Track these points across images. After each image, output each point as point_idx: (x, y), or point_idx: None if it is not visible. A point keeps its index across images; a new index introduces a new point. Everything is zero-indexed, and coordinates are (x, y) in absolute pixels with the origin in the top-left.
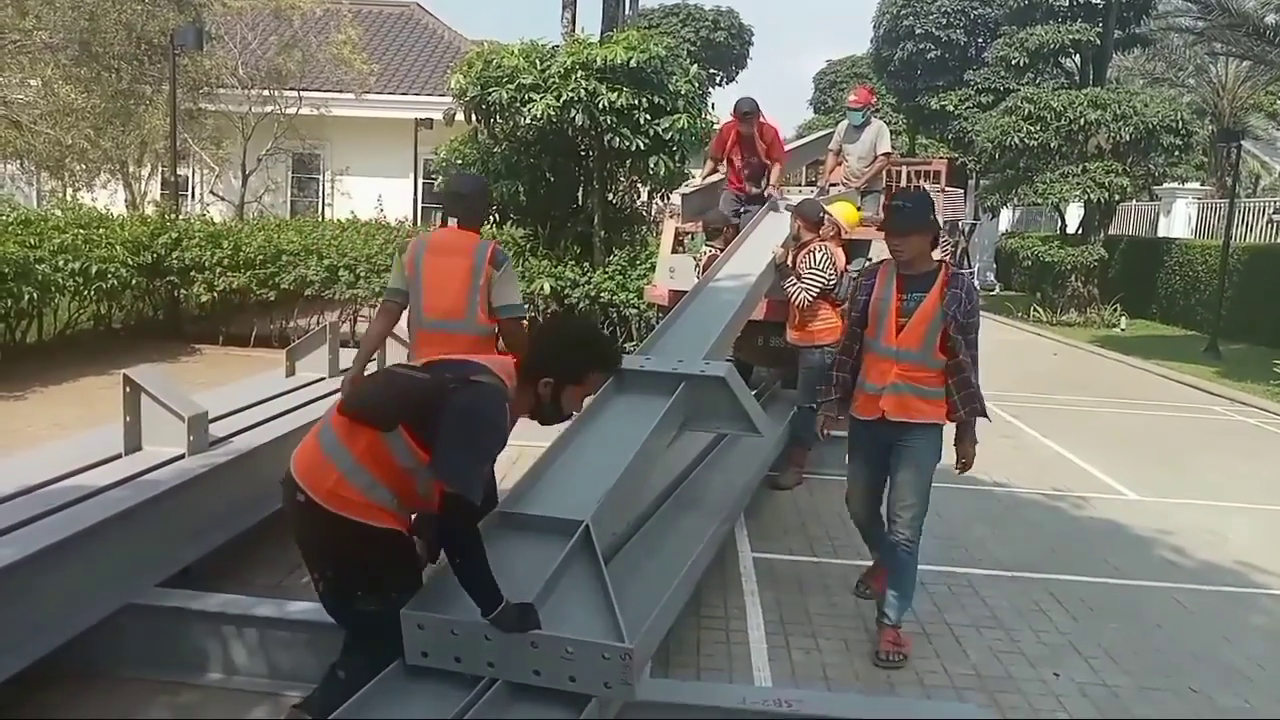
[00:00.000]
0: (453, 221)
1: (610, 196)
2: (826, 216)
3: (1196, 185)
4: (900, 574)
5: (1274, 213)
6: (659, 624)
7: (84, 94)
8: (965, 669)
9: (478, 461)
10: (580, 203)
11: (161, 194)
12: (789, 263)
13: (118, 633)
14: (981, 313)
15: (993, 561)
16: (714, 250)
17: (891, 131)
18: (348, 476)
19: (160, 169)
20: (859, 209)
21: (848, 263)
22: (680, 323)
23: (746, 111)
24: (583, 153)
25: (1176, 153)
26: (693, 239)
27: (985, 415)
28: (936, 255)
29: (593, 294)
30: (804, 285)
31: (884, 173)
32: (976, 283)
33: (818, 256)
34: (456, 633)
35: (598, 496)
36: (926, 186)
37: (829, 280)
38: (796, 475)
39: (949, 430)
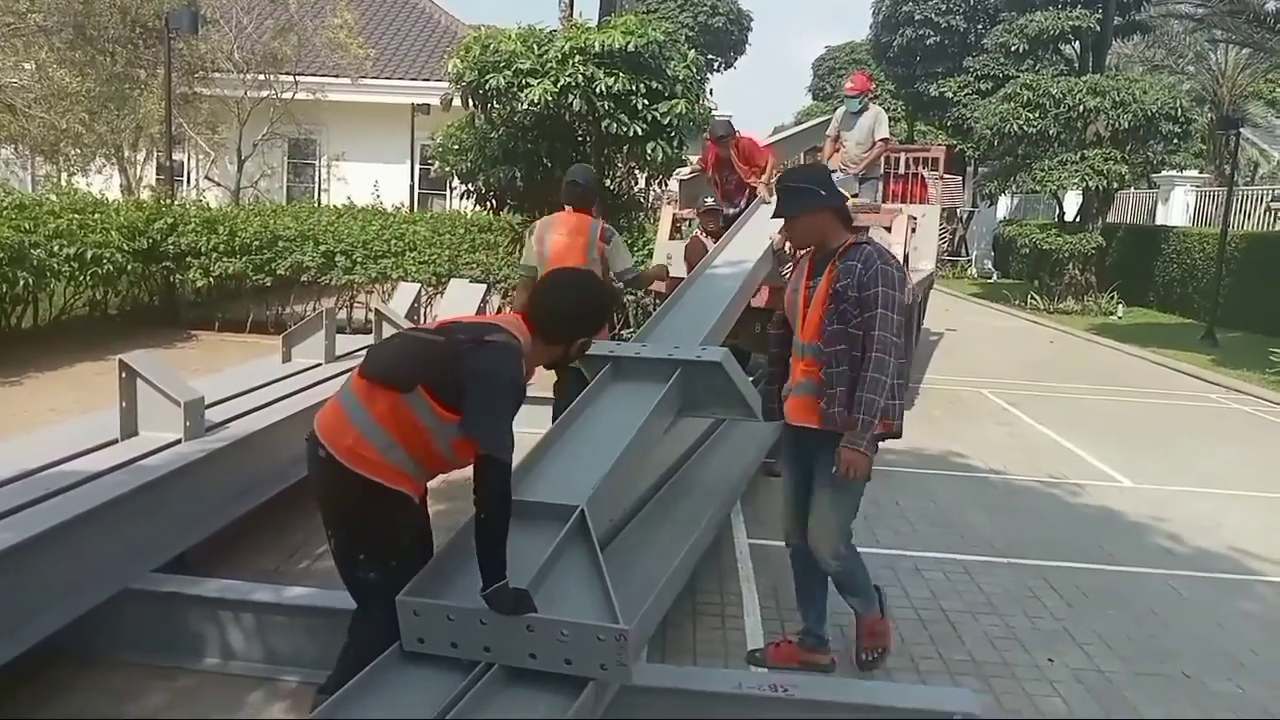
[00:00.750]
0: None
1: (608, 182)
2: None
3: (1195, 173)
4: (845, 590)
5: (1272, 201)
6: (655, 607)
7: (79, 78)
8: (961, 655)
9: (504, 420)
10: None
11: (157, 179)
12: (786, 249)
13: (114, 618)
14: (978, 300)
15: (988, 548)
16: (700, 236)
17: (890, 118)
18: (366, 435)
19: (156, 154)
20: (855, 195)
21: None
22: (677, 309)
23: (721, 135)
24: (580, 138)
25: (1175, 140)
26: (690, 225)
27: (875, 424)
28: (883, 234)
29: None
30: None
31: (883, 159)
32: (902, 250)
33: None
34: (452, 618)
35: (593, 482)
36: (925, 173)
37: None
38: None
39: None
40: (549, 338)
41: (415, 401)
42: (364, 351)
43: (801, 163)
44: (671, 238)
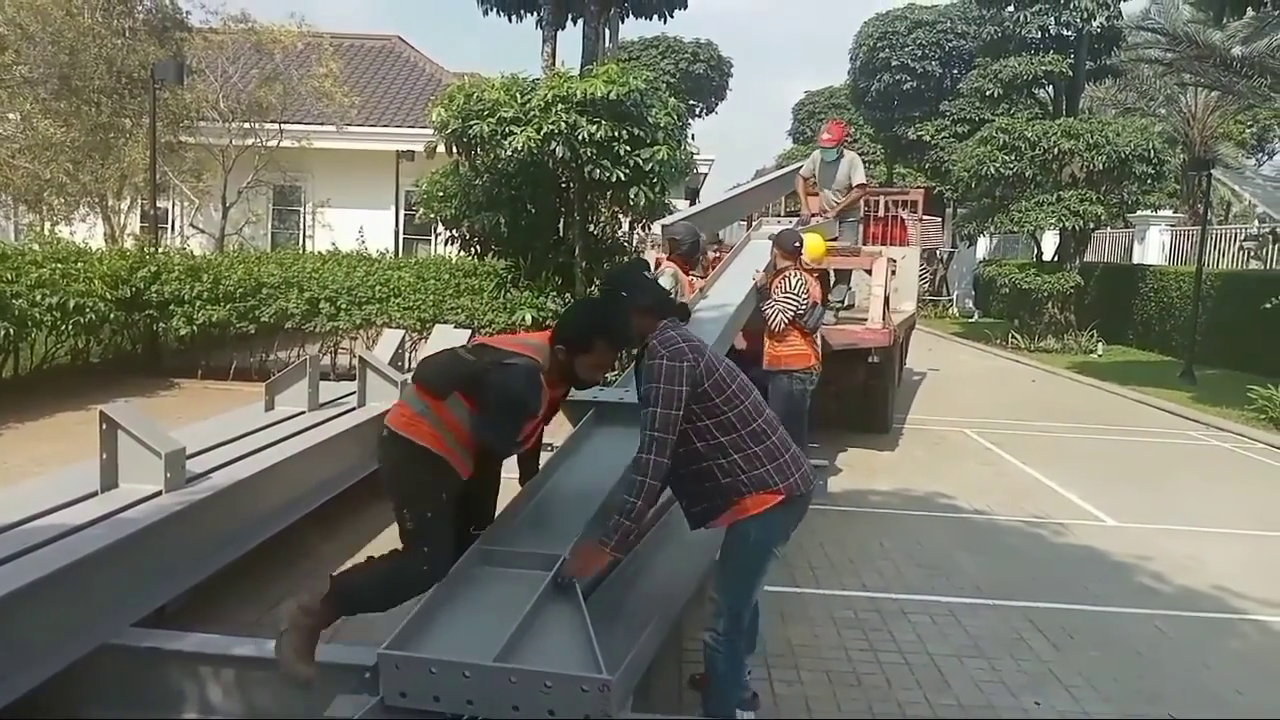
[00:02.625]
0: None
1: (591, 227)
2: (803, 238)
3: (1169, 213)
4: (710, 674)
5: (1245, 240)
6: (639, 656)
7: (63, 128)
8: (948, 699)
9: (505, 426)
10: (561, 234)
11: (141, 227)
12: (768, 286)
13: (92, 674)
14: (959, 340)
15: (974, 589)
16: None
17: (870, 161)
18: (422, 415)
19: (140, 202)
20: (835, 238)
21: (830, 289)
22: None
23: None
24: (563, 184)
25: (1149, 181)
26: None
27: (624, 523)
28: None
29: None
30: (779, 307)
31: (862, 202)
32: (674, 347)
33: (792, 281)
34: (435, 671)
35: (577, 530)
36: (904, 215)
37: (802, 304)
38: None
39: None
40: (570, 348)
41: (454, 406)
42: (348, 399)
43: (781, 210)
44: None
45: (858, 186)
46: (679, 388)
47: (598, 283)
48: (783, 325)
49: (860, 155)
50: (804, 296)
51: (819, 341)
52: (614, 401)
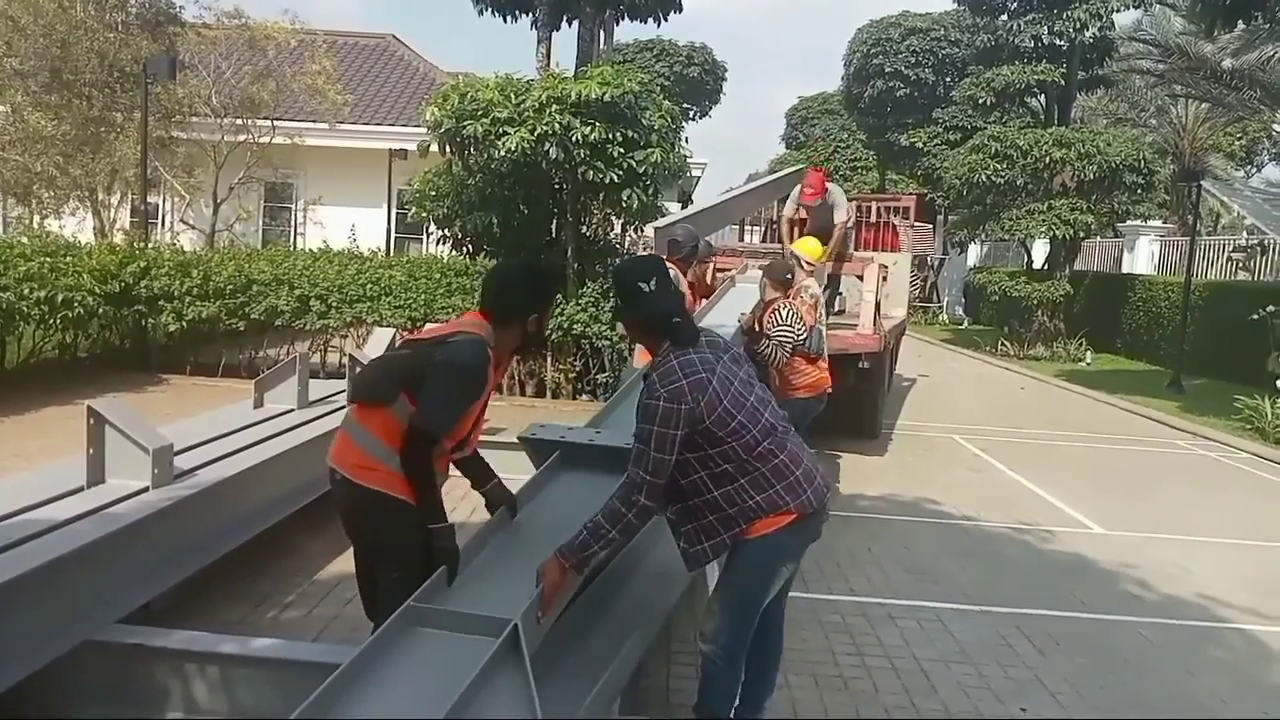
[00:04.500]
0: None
1: (584, 229)
2: (794, 268)
3: (1159, 223)
4: (704, 682)
5: (1233, 251)
6: (625, 661)
7: (54, 121)
8: (934, 704)
9: (452, 404)
10: (554, 235)
11: (131, 222)
12: (756, 326)
13: (76, 670)
14: (949, 346)
15: (961, 595)
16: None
17: (862, 167)
18: (368, 450)
19: (130, 197)
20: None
21: (825, 295)
22: (636, 393)
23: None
24: (556, 185)
25: (1139, 191)
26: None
27: (591, 544)
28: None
29: (566, 326)
30: (776, 342)
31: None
32: (674, 367)
33: (783, 313)
34: None
35: (531, 591)
36: (896, 221)
37: (799, 334)
38: None
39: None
40: (503, 320)
41: (401, 410)
42: (338, 397)
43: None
44: None
45: (840, 225)
46: (674, 431)
47: (589, 286)
48: (784, 361)
49: (853, 161)
50: (799, 325)
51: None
52: (582, 443)
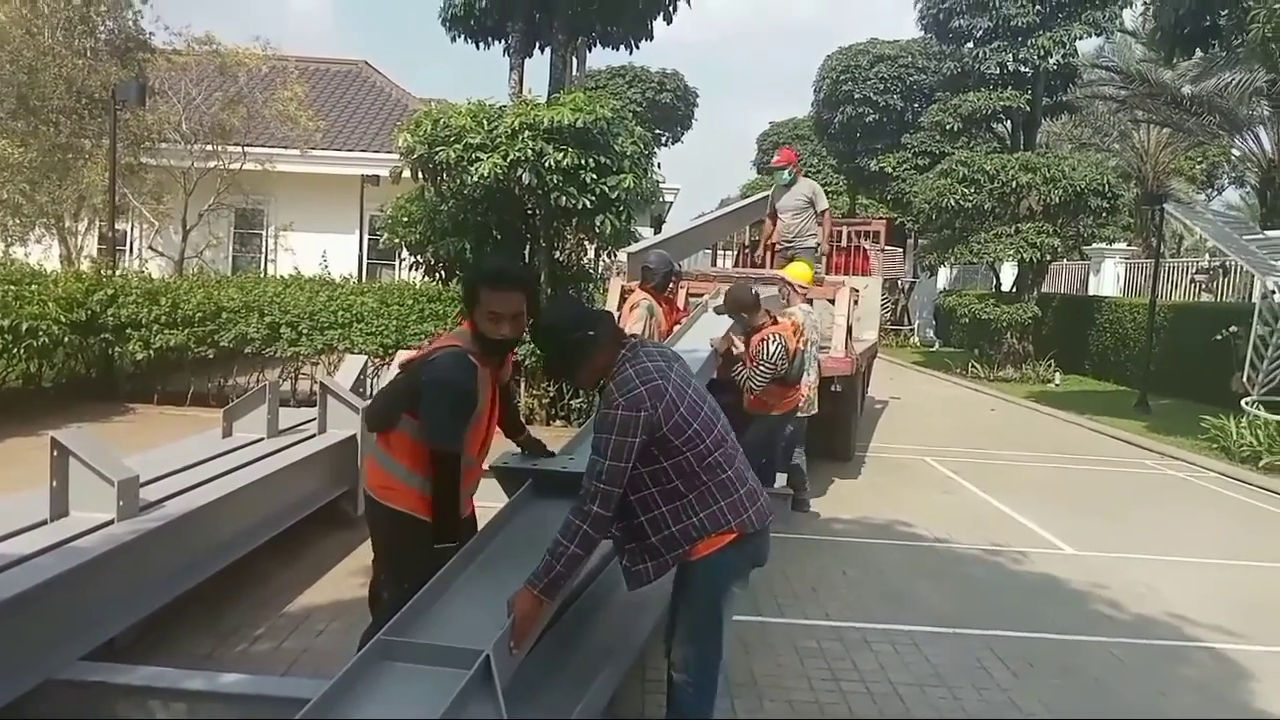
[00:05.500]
0: None
1: (557, 254)
2: (779, 288)
3: (1124, 245)
4: (674, 708)
5: (1196, 273)
6: (600, 692)
7: (20, 148)
8: None
9: (446, 418)
10: (527, 260)
11: (98, 249)
12: (742, 348)
13: (38, 710)
14: (921, 369)
15: (935, 618)
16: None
17: (832, 192)
18: (387, 469)
19: (98, 224)
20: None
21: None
22: None
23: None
24: (529, 211)
25: (1104, 214)
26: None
27: (555, 566)
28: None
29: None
30: (752, 375)
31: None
32: (636, 378)
33: (771, 348)
34: None
35: (502, 621)
36: (867, 245)
37: (780, 368)
38: None
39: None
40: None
41: (407, 427)
42: (308, 426)
43: (747, 240)
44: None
45: (823, 212)
46: (632, 439)
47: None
48: (758, 390)
49: (823, 186)
50: (782, 362)
51: (811, 368)
52: (556, 470)
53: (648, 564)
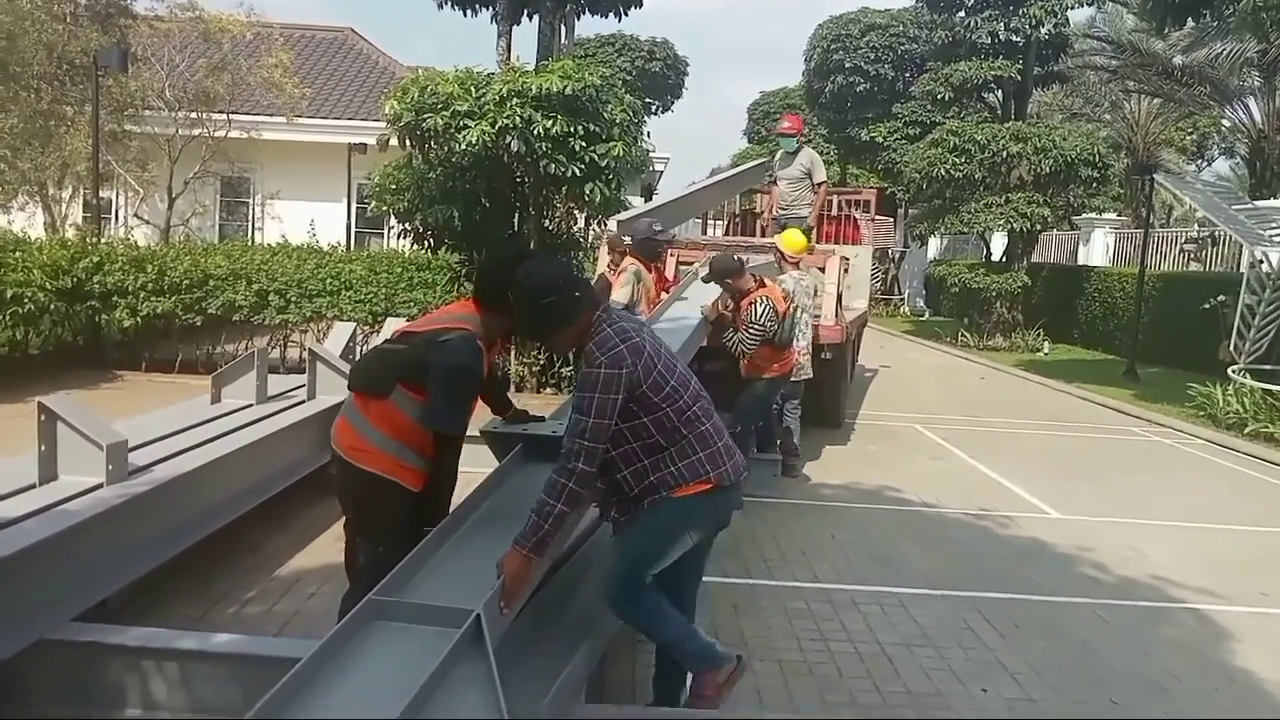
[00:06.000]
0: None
1: (546, 223)
2: (738, 258)
3: (1113, 216)
4: (658, 644)
5: (1185, 243)
6: (591, 653)
7: (1, 114)
8: (897, 687)
9: (455, 403)
10: (516, 228)
11: (83, 217)
12: (730, 313)
13: (30, 669)
14: (911, 338)
15: (922, 580)
16: (608, 271)
17: (823, 162)
18: (362, 433)
19: (82, 191)
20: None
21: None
22: None
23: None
24: (518, 179)
25: (1094, 185)
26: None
27: (542, 526)
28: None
29: None
30: (742, 338)
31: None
32: (618, 339)
33: (759, 309)
34: None
35: (493, 582)
36: (857, 215)
37: (770, 330)
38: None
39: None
40: (493, 308)
41: (400, 399)
42: (297, 392)
43: (737, 209)
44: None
45: (820, 184)
46: (615, 396)
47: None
48: (749, 353)
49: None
50: (770, 324)
51: (804, 335)
52: (545, 435)
53: (630, 515)
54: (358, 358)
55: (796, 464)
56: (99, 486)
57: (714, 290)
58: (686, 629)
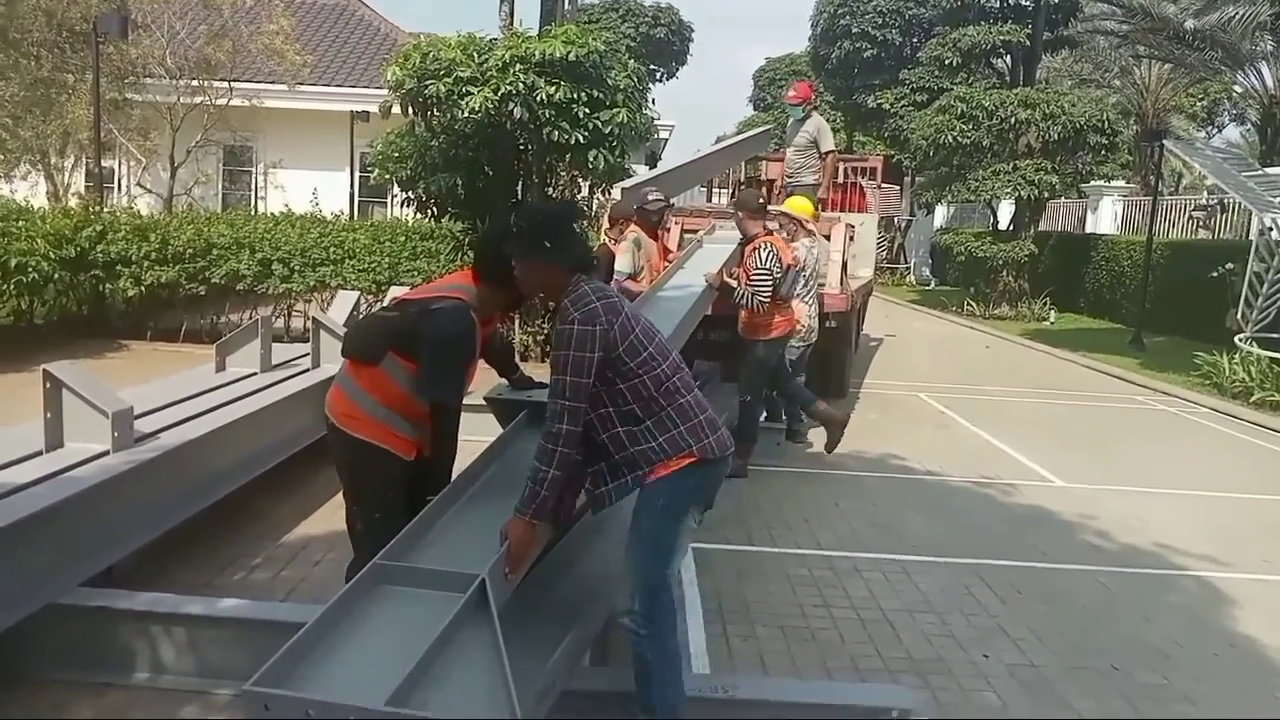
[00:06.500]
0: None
1: (550, 190)
2: (761, 195)
3: (1122, 183)
4: (639, 665)
5: (1194, 210)
6: (555, 681)
7: (1, 82)
8: (899, 653)
9: (447, 371)
10: (520, 196)
11: (86, 186)
12: (734, 276)
13: (39, 634)
14: (916, 307)
15: (925, 547)
16: (609, 241)
17: (830, 129)
18: (355, 399)
19: (84, 160)
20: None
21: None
22: None
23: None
24: (521, 146)
25: (1103, 152)
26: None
27: (539, 492)
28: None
29: None
30: (753, 289)
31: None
32: (589, 303)
33: (763, 255)
34: (312, 714)
35: (498, 547)
36: (863, 183)
37: (775, 275)
38: (740, 467)
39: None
40: (495, 281)
41: (391, 367)
42: (301, 361)
43: (743, 176)
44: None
45: (828, 154)
46: (590, 354)
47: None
48: (764, 307)
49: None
50: (776, 268)
51: (812, 304)
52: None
53: (609, 485)
54: (324, 343)
55: (802, 429)
56: (105, 454)
57: (718, 258)
58: (680, 671)
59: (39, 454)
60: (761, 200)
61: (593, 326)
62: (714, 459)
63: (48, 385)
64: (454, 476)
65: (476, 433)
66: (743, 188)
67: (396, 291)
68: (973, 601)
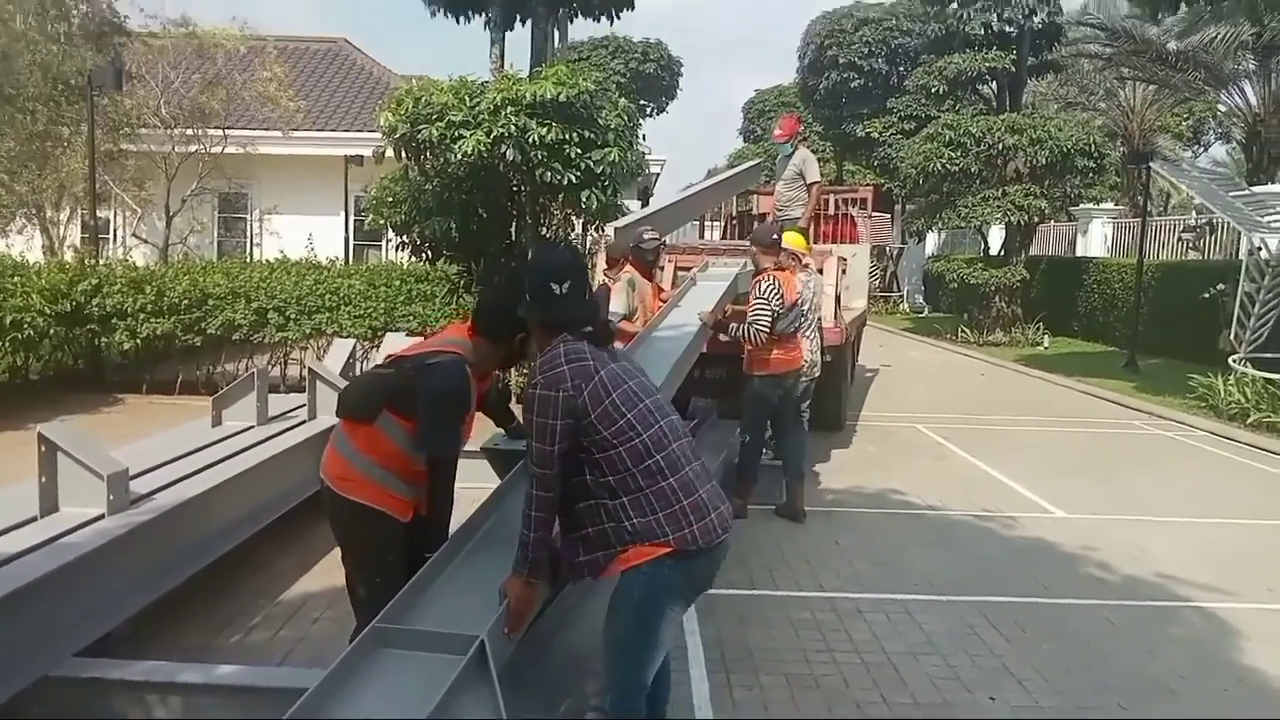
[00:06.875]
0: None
1: (543, 230)
2: (778, 229)
3: (1111, 205)
4: None
5: (1183, 231)
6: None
7: None
8: (904, 698)
9: (444, 426)
10: (514, 238)
11: (81, 238)
12: (729, 316)
13: (34, 708)
14: (910, 335)
15: (927, 585)
16: (607, 281)
17: (820, 159)
18: (351, 461)
19: (80, 212)
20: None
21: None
22: None
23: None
24: (515, 188)
25: (1090, 174)
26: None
27: (530, 577)
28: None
29: None
30: (752, 322)
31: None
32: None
33: (764, 286)
34: None
35: (497, 604)
36: (854, 213)
37: (775, 308)
38: (740, 507)
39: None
40: (492, 338)
41: (386, 425)
42: (298, 412)
43: (734, 210)
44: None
45: (812, 184)
46: (553, 421)
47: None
48: (764, 339)
49: (811, 152)
50: (777, 301)
51: (813, 338)
52: None
53: (584, 558)
54: (357, 375)
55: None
56: (100, 517)
57: (713, 295)
58: None
59: (34, 519)
60: (775, 237)
61: (555, 392)
62: (694, 550)
63: (43, 448)
64: (451, 530)
65: (474, 479)
66: (734, 222)
67: (393, 337)
68: (977, 641)
